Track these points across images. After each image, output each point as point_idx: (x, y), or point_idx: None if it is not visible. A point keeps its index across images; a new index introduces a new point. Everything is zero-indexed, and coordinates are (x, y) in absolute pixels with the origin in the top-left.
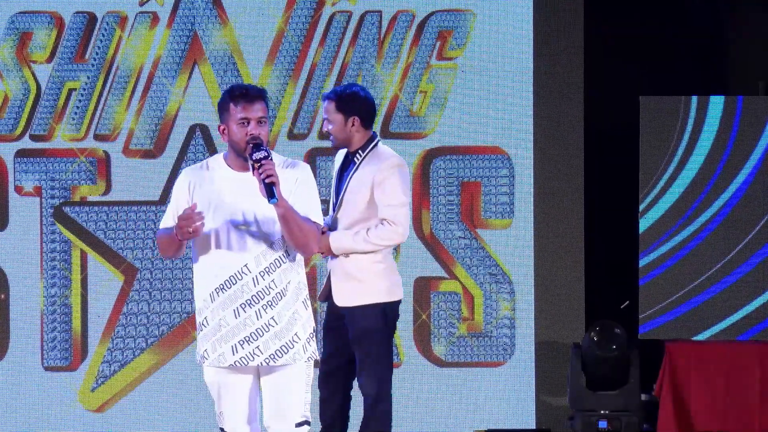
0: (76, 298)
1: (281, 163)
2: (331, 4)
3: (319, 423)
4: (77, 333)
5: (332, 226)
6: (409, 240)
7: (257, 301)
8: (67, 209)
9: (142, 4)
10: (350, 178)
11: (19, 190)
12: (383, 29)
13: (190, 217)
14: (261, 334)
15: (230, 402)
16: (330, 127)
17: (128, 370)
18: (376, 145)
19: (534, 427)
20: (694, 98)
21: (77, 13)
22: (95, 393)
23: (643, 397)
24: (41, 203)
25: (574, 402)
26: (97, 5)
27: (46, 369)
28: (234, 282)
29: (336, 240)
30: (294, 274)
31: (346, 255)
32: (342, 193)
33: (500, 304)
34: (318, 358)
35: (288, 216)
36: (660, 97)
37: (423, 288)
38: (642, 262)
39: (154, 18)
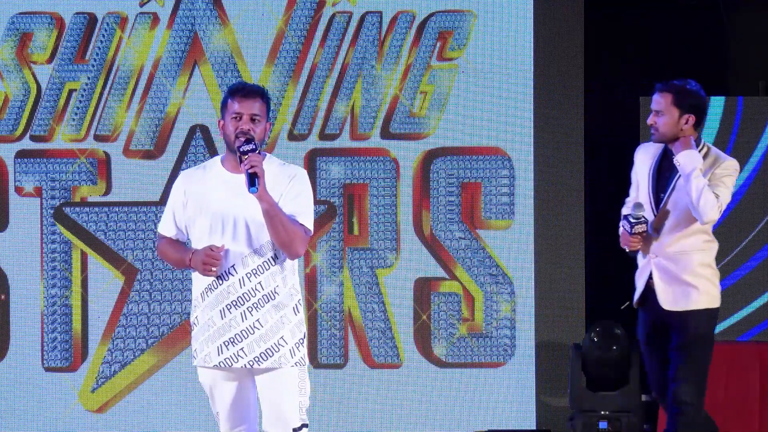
0: (77, 298)
1: (278, 163)
2: (331, 5)
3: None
4: (77, 333)
5: (655, 226)
6: (409, 240)
7: (242, 303)
8: (67, 210)
9: (142, 5)
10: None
11: (19, 190)
12: (383, 30)
13: (216, 260)
14: (245, 336)
15: (222, 403)
16: (659, 120)
17: (128, 370)
18: (704, 145)
19: (534, 428)
20: None
21: (77, 13)
22: (95, 393)
23: (644, 397)
24: (41, 204)
25: (574, 402)
26: (97, 6)
27: (47, 369)
28: (221, 282)
29: (692, 158)
30: (282, 279)
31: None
32: (669, 191)
33: (500, 304)
34: (307, 363)
35: (271, 212)
36: None
37: (423, 288)
38: None
39: (155, 18)
